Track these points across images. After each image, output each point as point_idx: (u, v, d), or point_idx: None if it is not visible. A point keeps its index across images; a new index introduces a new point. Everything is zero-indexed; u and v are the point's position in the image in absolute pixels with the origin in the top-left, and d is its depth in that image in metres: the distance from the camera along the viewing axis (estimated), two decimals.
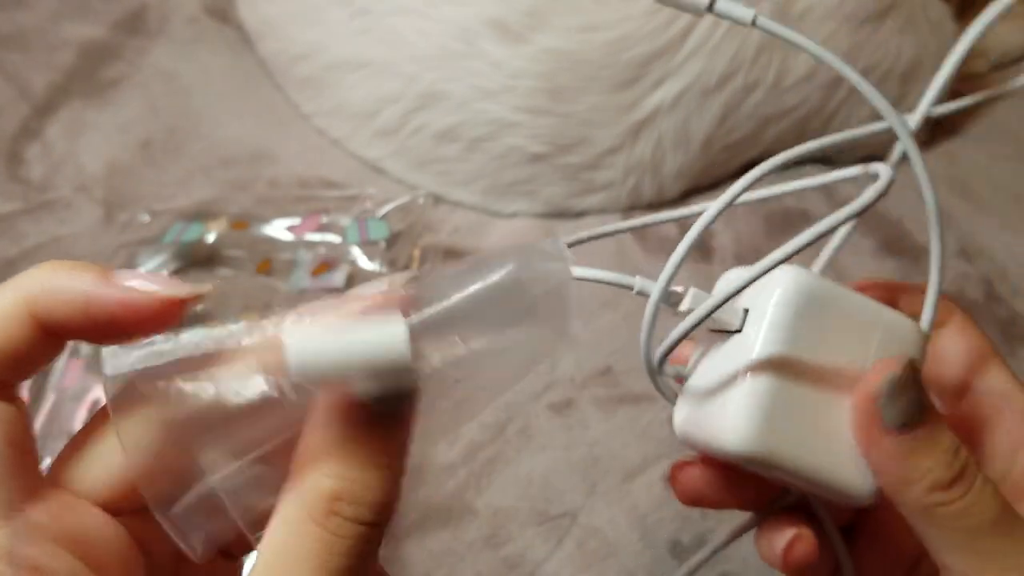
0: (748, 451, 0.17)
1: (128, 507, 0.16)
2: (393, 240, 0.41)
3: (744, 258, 0.45)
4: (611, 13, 0.42)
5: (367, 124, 0.46)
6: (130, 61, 0.53)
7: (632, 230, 0.21)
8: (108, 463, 0.16)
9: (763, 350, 0.17)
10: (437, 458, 0.36)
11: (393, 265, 0.40)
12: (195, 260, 0.40)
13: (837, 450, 0.17)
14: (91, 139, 0.48)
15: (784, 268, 0.18)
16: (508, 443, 0.36)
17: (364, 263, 0.40)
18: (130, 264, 0.39)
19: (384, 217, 0.42)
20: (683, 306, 0.18)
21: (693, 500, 0.20)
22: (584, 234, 0.21)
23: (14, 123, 0.49)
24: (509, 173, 0.45)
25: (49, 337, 0.15)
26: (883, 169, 0.18)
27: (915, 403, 0.17)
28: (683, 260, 0.17)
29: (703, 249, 0.46)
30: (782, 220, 0.47)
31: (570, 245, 0.20)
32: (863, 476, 0.17)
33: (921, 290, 0.20)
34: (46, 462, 0.32)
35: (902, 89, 0.48)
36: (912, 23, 0.46)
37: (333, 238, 0.41)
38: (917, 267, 0.45)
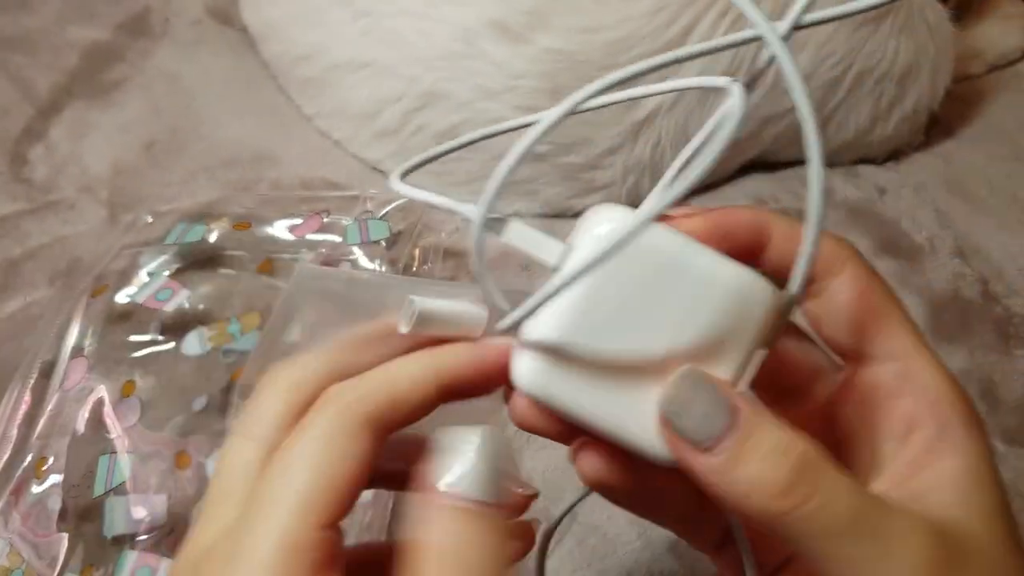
0: (531, 391, 0.16)
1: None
2: (393, 240, 0.41)
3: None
4: (611, 14, 0.42)
5: (368, 125, 0.47)
6: (133, 63, 0.54)
7: (471, 144, 0.20)
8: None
9: (556, 297, 0.16)
10: None
11: (393, 265, 0.40)
12: (197, 260, 0.40)
13: (636, 405, 0.16)
14: (95, 140, 0.49)
15: (612, 207, 0.17)
16: (509, 441, 0.36)
17: (365, 263, 0.40)
18: (133, 264, 0.39)
19: (384, 217, 0.42)
20: (503, 237, 0.17)
21: (523, 425, 0.18)
22: (418, 159, 0.20)
23: (18, 124, 0.49)
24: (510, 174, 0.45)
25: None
26: (733, 86, 0.17)
27: (711, 415, 0.15)
28: (505, 180, 0.16)
29: None
30: None
31: (406, 172, 0.19)
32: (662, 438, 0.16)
33: (792, 222, 0.17)
34: (50, 461, 0.33)
35: (899, 91, 0.48)
36: (910, 25, 0.46)
37: (334, 238, 0.41)
38: (915, 267, 0.46)
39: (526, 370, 0.16)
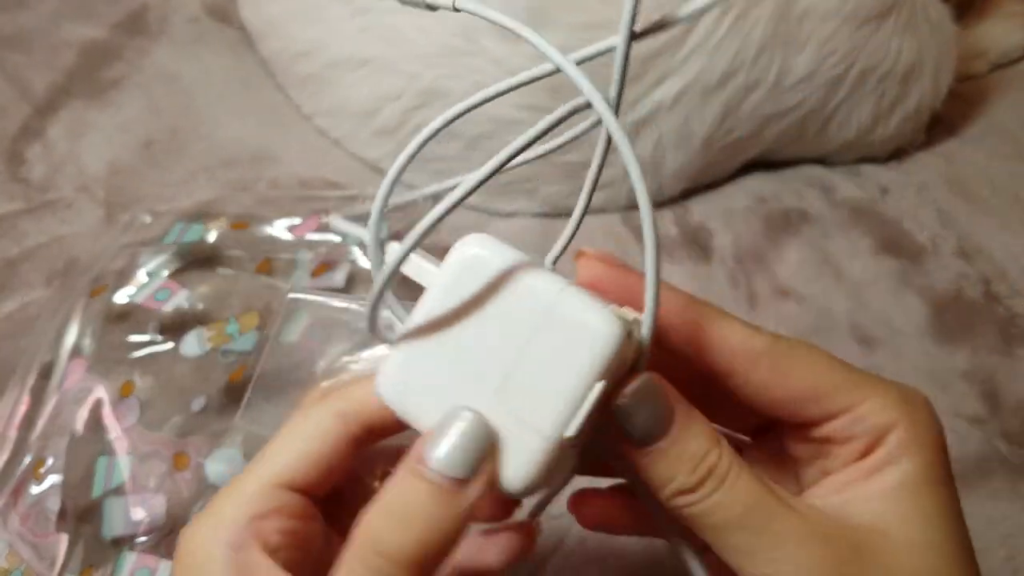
0: (381, 398, 0.18)
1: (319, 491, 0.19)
2: (393, 240, 0.41)
3: (743, 259, 0.45)
4: (612, 11, 0.42)
5: (367, 123, 0.46)
6: (131, 61, 0.53)
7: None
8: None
9: (416, 312, 0.17)
10: None
11: None
12: (196, 260, 0.40)
13: None
14: (92, 139, 0.48)
15: (471, 236, 0.18)
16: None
17: (364, 263, 0.40)
18: (132, 264, 0.39)
19: (384, 217, 0.42)
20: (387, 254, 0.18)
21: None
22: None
23: (15, 123, 0.49)
24: (509, 172, 0.45)
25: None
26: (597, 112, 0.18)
27: (652, 417, 0.16)
28: (381, 216, 0.18)
29: (702, 249, 0.46)
30: (782, 220, 0.47)
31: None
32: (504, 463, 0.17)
33: (682, 296, 0.18)
34: (49, 462, 0.33)
35: (902, 89, 0.48)
36: (912, 24, 0.46)
37: (333, 238, 0.41)
38: (917, 267, 0.46)
39: (379, 380, 0.18)
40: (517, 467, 0.17)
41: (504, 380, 0.17)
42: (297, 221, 0.41)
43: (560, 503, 0.35)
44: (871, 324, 0.42)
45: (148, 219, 0.42)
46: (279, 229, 0.41)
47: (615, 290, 0.18)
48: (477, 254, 0.18)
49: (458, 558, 0.21)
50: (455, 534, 0.16)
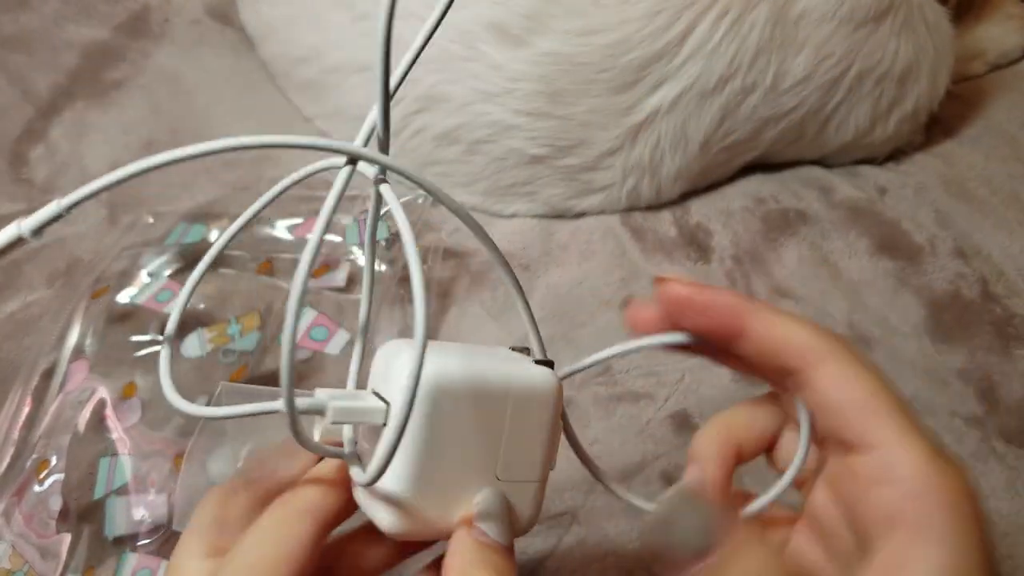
0: (397, 535, 0.19)
1: None
2: (393, 240, 0.41)
3: (741, 259, 0.46)
4: (610, 16, 0.42)
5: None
6: (133, 63, 0.54)
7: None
8: None
9: (384, 445, 0.17)
10: None
11: (393, 264, 0.40)
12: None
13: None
14: (95, 140, 0.49)
15: (398, 347, 0.19)
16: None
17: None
18: (134, 265, 0.39)
19: (384, 217, 0.42)
20: (328, 421, 0.19)
21: None
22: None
23: (18, 124, 0.49)
24: (509, 175, 0.45)
25: None
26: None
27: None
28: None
29: (701, 249, 0.46)
30: (780, 220, 0.48)
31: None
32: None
33: (771, 314, 0.20)
34: (53, 462, 0.33)
35: (899, 91, 0.48)
36: (909, 25, 0.46)
37: (334, 238, 0.41)
38: (915, 268, 0.46)
39: (388, 523, 0.19)
40: (523, 516, 0.20)
41: (500, 461, 0.20)
42: (298, 221, 0.41)
43: (560, 501, 0.35)
44: (869, 324, 0.42)
45: (150, 220, 0.42)
46: (280, 229, 0.41)
47: (699, 307, 0.20)
48: (425, 389, 0.18)
49: None
50: None
